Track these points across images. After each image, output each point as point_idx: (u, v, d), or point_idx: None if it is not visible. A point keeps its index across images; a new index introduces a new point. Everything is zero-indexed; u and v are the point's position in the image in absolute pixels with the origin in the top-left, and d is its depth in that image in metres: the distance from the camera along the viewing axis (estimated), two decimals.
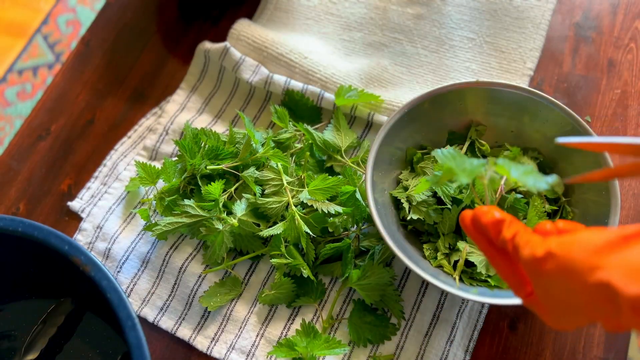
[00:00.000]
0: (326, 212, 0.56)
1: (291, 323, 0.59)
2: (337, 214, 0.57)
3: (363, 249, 0.60)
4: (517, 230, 0.37)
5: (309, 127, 0.64)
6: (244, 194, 0.59)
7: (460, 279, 0.55)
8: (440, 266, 0.56)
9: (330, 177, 0.58)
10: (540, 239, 0.35)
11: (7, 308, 0.57)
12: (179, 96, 0.74)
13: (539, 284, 0.35)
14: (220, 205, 0.58)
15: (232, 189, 0.60)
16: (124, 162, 0.70)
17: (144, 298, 0.61)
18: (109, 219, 0.65)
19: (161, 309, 0.61)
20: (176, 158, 0.65)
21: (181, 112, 0.72)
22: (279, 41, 0.72)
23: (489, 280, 0.54)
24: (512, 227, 0.38)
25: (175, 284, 0.61)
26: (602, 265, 0.30)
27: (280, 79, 0.69)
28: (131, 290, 0.62)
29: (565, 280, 0.32)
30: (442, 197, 0.57)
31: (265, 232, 0.56)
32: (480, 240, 0.40)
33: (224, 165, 0.60)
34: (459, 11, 0.74)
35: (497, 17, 0.73)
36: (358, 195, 0.57)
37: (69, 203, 0.68)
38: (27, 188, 0.70)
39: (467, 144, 0.61)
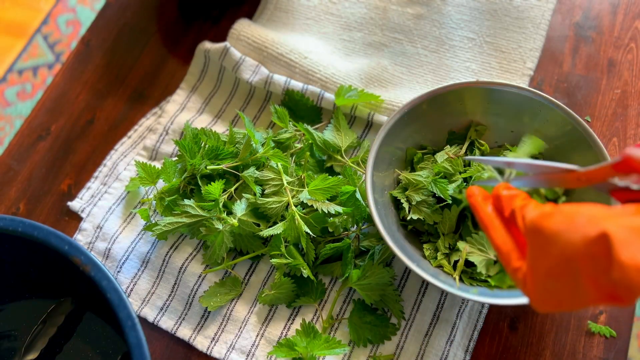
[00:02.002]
0: (326, 212, 0.56)
1: (291, 323, 0.59)
2: (337, 214, 0.57)
3: (363, 249, 0.60)
4: (531, 202, 0.40)
5: (309, 127, 0.64)
6: (244, 194, 0.59)
7: (460, 279, 0.55)
8: (440, 266, 0.56)
9: (330, 177, 0.58)
10: (551, 205, 0.38)
11: (7, 308, 0.57)
12: (179, 96, 0.74)
13: (537, 242, 0.36)
14: (220, 205, 0.58)
15: (232, 189, 0.60)
16: (124, 162, 0.70)
17: (144, 298, 0.61)
18: (109, 219, 0.65)
19: (161, 309, 0.61)
20: (176, 158, 0.65)
21: (181, 112, 0.72)
22: (279, 41, 0.72)
23: (489, 280, 0.54)
24: (526, 200, 0.41)
25: (175, 284, 0.61)
26: (606, 221, 0.32)
27: (280, 79, 0.69)
28: (131, 290, 0.62)
29: (566, 233, 0.34)
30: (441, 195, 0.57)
31: (265, 232, 0.56)
32: (482, 209, 0.43)
33: (224, 165, 0.60)
34: (459, 11, 0.74)
35: (497, 17, 0.73)
36: (358, 195, 0.57)
37: (69, 203, 0.68)
38: (27, 188, 0.70)
39: (466, 144, 0.61)
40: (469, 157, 0.54)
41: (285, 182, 0.58)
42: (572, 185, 0.43)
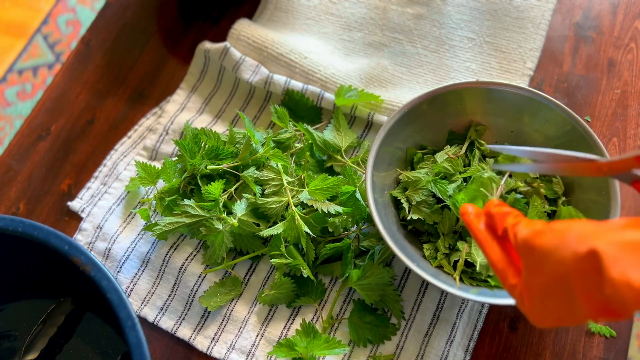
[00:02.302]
0: (326, 212, 0.56)
1: (291, 323, 0.59)
2: (337, 214, 0.57)
3: (363, 249, 0.60)
4: (522, 220, 0.40)
5: (309, 127, 0.64)
6: (244, 194, 0.59)
7: (460, 279, 0.55)
8: (440, 266, 0.56)
9: (330, 177, 0.58)
10: (542, 222, 0.38)
11: (7, 308, 0.57)
12: (179, 96, 0.74)
13: (531, 259, 0.36)
14: (220, 205, 0.58)
15: (232, 189, 0.60)
16: (124, 162, 0.70)
17: (144, 298, 0.61)
18: (109, 219, 0.65)
19: (161, 309, 0.61)
20: (176, 158, 0.65)
21: (181, 112, 0.72)
22: (279, 41, 0.72)
23: (489, 280, 0.54)
24: (518, 217, 0.41)
25: (175, 284, 0.61)
26: (595, 238, 0.32)
27: (280, 79, 0.69)
28: (131, 290, 0.62)
29: (558, 251, 0.34)
30: (440, 196, 0.57)
31: (265, 232, 0.56)
32: (476, 226, 0.44)
33: (224, 165, 0.60)
34: (459, 11, 0.74)
35: (497, 17, 0.73)
36: (358, 195, 0.57)
37: (69, 203, 0.68)
38: (27, 188, 0.70)
39: (466, 144, 0.61)
40: (492, 146, 0.52)
41: (285, 182, 0.58)
42: (593, 174, 0.43)
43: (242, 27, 0.74)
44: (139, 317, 0.61)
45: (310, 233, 0.56)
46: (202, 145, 0.62)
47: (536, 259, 0.36)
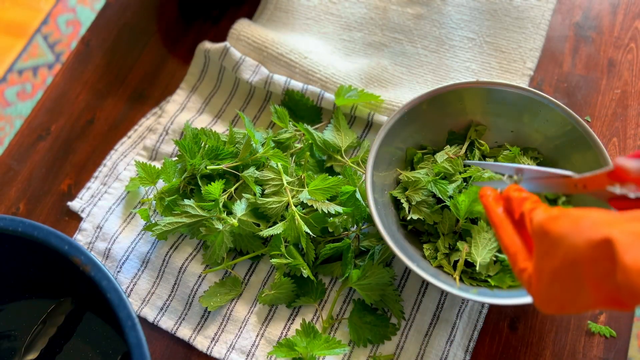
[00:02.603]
0: (326, 212, 0.56)
1: (291, 323, 0.59)
2: (337, 214, 0.57)
3: (363, 249, 0.60)
4: (540, 205, 0.40)
5: (309, 127, 0.64)
6: (244, 194, 0.59)
7: (460, 279, 0.55)
8: (440, 266, 0.56)
9: (330, 177, 0.58)
10: (559, 208, 0.39)
11: (7, 308, 0.57)
12: (179, 96, 0.74)
13: (544, 243, 0.37)
14: (220, 205, 0.58)
15: (232, 189, 0.60)
16: (124, 162, 0.70)
17: (144, 298, 0.61)
18: (109, 219, 0.65)
19: (161, 309, 0.61)
20: (176, 158, 0.65)
21: (181, 112, 0.72)
22: (279, 41, 0.72)
23: (489, 280, 0.54)
24: (536, 203, 0.41)
25: (175, 284, 0.61)
26: (610, 226, 0.32)
27: (280, 79, 0.69)
28: (131, 290, 0.62)
29: (571, 236, 0.34)
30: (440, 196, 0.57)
31: (265, 232, 0.56)
32: (493, 209, 0.44)
33: (224, 165, 0.60)
34: (459, 11, 0.74)
35: (497, 17, 0.73)
36: (358, 195, 0.57)
37: (69, 203, 0.68)
38: (27, 188, 0.70)
39: (466, 144, 0.61)
40: (471, 161, 0.55)
41: (285, 182, 0.58)
42: (571, 191, 0.44)
43: (242, 27, 0.74)
44: (139, 317, 0.61)
45: (310, 233, 0.56)
46: (202, 145, 0.62)
47: (549, 243, 0.36)
